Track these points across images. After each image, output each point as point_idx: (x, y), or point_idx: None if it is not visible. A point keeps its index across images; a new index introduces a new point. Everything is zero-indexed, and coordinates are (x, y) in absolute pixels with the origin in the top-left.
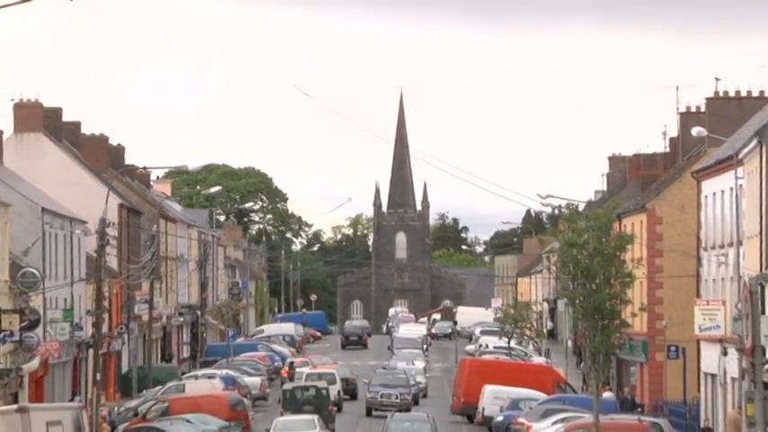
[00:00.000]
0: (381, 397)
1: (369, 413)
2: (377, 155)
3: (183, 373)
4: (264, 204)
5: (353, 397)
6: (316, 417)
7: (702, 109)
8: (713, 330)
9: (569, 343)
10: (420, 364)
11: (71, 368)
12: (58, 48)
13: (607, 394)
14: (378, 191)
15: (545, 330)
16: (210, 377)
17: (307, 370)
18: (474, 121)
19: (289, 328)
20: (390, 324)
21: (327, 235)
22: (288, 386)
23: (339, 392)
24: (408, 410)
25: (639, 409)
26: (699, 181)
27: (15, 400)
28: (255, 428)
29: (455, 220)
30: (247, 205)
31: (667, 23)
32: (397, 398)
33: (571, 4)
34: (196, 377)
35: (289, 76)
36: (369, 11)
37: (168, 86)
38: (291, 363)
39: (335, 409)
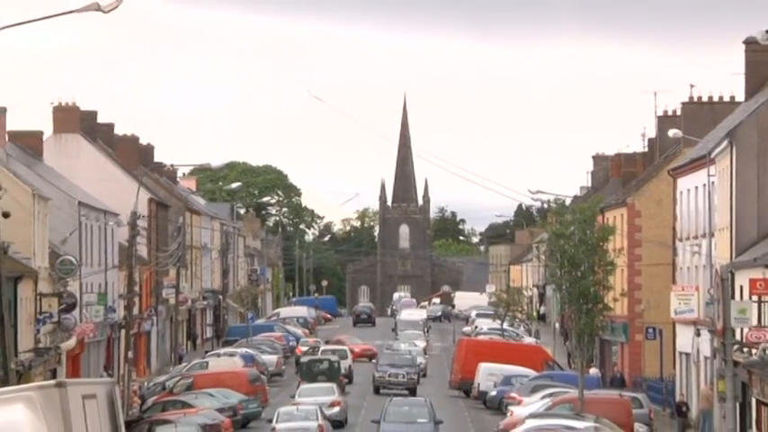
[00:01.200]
0: (389, 376)
1: (377, 391)
2: (382, 154)
3: (206, 352)
4: (280, 199)
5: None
6: (334, 384)
7: (678, 113)
8: (687, 314)
9: (557, 325)
10: (421, 344)
11: (105, 347)
12: (93, 56)
13: (593, 371)
14: (383, 187)
15: (535, 313)
16: (231, 355)
17: (309, 357)
18: (471, 124)
19: (302, 310)
20: (394, 308)
21: (337, 226)
22: (304, 359)
23: (350, 366)
24: (414, 389)
25: (609, 382)
26: (674, 178)
27: (54, 376)
28: (272, 401)
29: (453, 214)
30: (265, 199)
31: (648, 36)
32: (403, 377)
33: (561, 18)
34: (218, 355)
35: (303, 83)
36: (377, 24)
37: (194, 91)
38: (327, 341)
39: (346, 380)
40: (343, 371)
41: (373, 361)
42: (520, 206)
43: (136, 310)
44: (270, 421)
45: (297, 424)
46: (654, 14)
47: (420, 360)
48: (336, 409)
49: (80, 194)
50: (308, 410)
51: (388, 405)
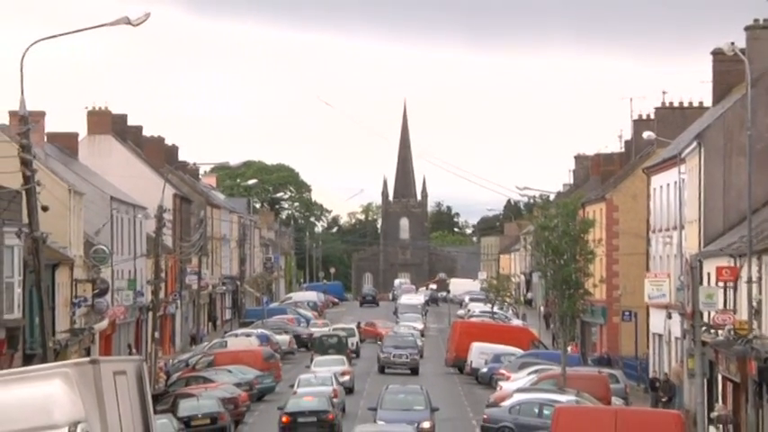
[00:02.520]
0: (393, 357)
1: (382, 371)
2: (384, 154)
3: (225, 333)
4: (292, 194)
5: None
6: (344, 356)
7: (652, 117)
8: (660, 298)
9: (542, 308)
10: (419, 326)
11: (134, 328)
12: (124, 65)
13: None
14: (385, 183)
15: (522, 298)
16: (248, 335)
17: (325, 329)
18: (466, 127)
19: (312, 295)
20: (395, 293)
21: (344, 219)
22: (317, 334)
23: (357, 342)
24: (416, 368)
25: (595, 361)
26: (648, 176)
27: (88, 354)
28: (284, 377)
29: (449, 208)
30: (278, 195)
31: (627, 47)
32: (407, 357)
33: (551, 31)
34: (236, 335)
35: (313, 89)
36: (380, 35)
37: (215, 97)
38: (359, 323)
39: (353, 355)
40: (350, 346)
41: (378, 342)
42: (509, 201)
43: (162, 295)
44: (291, 386)
45: (315, 389)
46: (633, 28)
47: (419, 342)
48: (347, 377)
49: (112, 190)
50: (324, 377)
51: (384, 392)
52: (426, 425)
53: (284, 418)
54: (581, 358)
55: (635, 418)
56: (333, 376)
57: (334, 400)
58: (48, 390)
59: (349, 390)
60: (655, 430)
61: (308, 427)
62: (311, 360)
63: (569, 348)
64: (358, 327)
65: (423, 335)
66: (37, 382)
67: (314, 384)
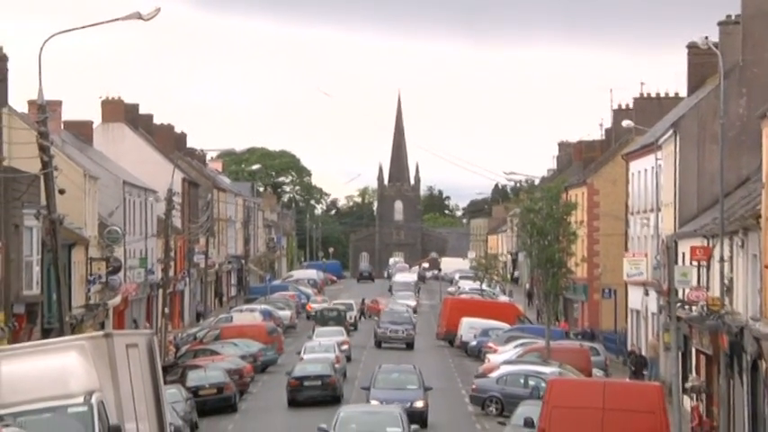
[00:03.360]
0: (390, 332)
1: (379, 345)
2: (380, 141)
3: (230, 308)
4: (294, 178)
5: None
6: (342, 328)
7: (630, 106)
8: (638, 276)
9: (527, 286)
10: (412, 304)
11: (145, 303)
12: (136, 57)
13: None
14: (381, 169)
15: (509, 276)
16: (252, 310)
17: (324, 305)
18: (456, 116)
19: (312, 273)
20: (390, 271)
21: (342, 202)
22: (318, 307)
23: (355, 317)
24: (412, 343)
25: (581, 336)
26: (627, 161)
27: (102, 328)
28: (286, 350)
29: (440, 191)
30: (281, 179)
31: (609, 42)
32: (402, 332)
33: (539, 26)
34: (241, 311)
35: (314, 80)
36: (377, 30)
37: (221, 87)
38: (363, 299)
39: (352, 327)
40: (349, 320)
41: (375, 318)
42: (496, 185)
43: (171, 273)
44: (298, 353)
45: (320, 355)
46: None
47: (413, 318)
48: (346, 346)
49: (124, 174)
50: (328, 345)
51: (377, 372)
52: (419, 404)
53: (292, 382)
54: (564, 333)
55: (621, 388)
56: (336, 345)
57: (336, 365)
58: (64, 361)
59: (347, 358)
60: (638, 400)
61: (313, 389)
62: (313, 330)
63: (559, 324)
64: (362, 303)
65: (415, 311)
66: (54, 355)
67: (319, 351)
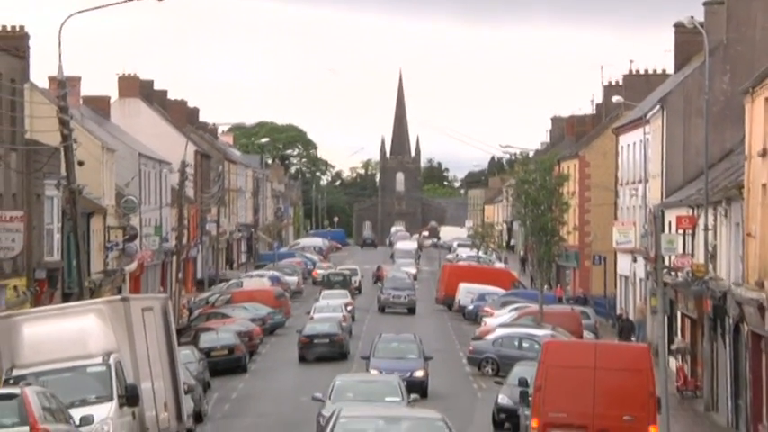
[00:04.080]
0: (393, 298)
1: (382, 310)
2: (383, 115)
3: (241, 274)
4: (300, 151)
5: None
6: (347, 291)
7: (620, 83)
8: (626, 244)
9: (522, 253)
10: (412, 270)
11: (160, 269)
12: (151, 36)
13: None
14: (383, 142)
15: (504, 244)
16: (261, 276)
17: (330, 270)
18: (455, 92)
19: (317, 241)
20: (392, 239)
21: (346, 174)
22: (325, 272)
23: (359, 281)
24: (413, 308)
25: (573, 301)
26: (617, 135)
27: (119, 292)
28: (294, 314)
29: (439, 164)
30: (288, 152)
31: (598, 21)
32: (405, 298)
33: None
34: (250, 276)
35: (319, 57)
36: (380, 11)
37: (232, 64)
38: (379, 266)
39: (356, 290)
40: (353, 283)
41: (378, 284)
42: (493, 158)
43: (184, 240)
44: (308, 313)
45: (328, 315)
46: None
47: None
48: (351, 307)
49: (140, 147)
50: (336, 305)
51: (377, 341)
52: (419, 374)
53: (303, 340)
54: (558, 298)
55: (611, 349)
56: (343, 305)
57: (343, 324)
58: (84, 324)
59: (352, 318)
60: (627, 360)
61: (321, 346)
62: (320, 293)
63: (554, 290)
64: (378, 269)
65: (416, 278)
66: (74, 317)
67: (327, 311)
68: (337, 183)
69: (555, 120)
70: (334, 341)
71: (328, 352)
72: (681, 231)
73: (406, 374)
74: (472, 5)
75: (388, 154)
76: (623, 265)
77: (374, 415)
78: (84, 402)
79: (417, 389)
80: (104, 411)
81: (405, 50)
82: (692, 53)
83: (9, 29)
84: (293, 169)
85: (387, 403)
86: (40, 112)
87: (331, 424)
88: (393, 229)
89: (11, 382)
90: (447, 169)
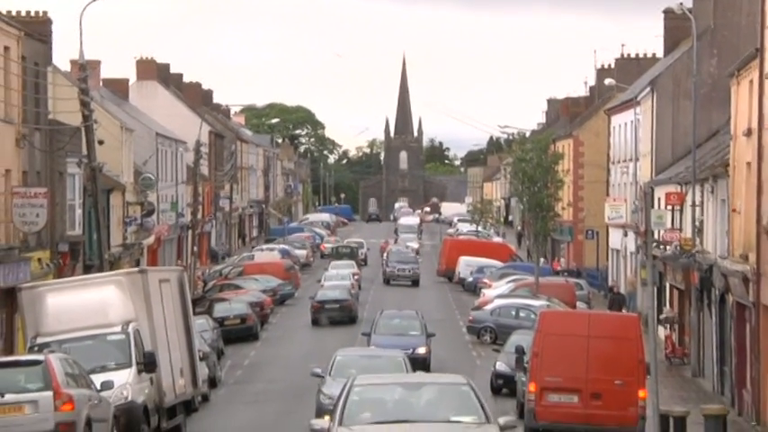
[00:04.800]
0: (398, 271)
1: (387, 282)
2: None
3: (252, 247)
4: (309, 131)
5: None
6: (354, 262)
7: (612, 66)
8: (618, 219)
9: (519, 228)
10: (414, 245)
11: (176, 243)
12: (167, 21)
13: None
14: (387, 122)
15: (502, 219)
16: (272, 250)
17: (338, 243)
18: (456, 75)
19: (325, 216)
20: (395, 215)
21: (352, 152)
22: (333, 245)
23: (365, 253)
24: (417, 280)
25: (567, 273)
26: (609, 116)
27: (138, 264)
28: (303, 285)
29: (441, 143)
30: (297, 132)
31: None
32: (409, 271)
33: None
34: (261, 250)
35: (328, 42)
36: None
37: (245, 48)
38: (386, 241)
39: (362, 262)
40: (360, 255)
41: (384, 256)
42: (491, 137)
43: (199, 216)
44: (319, 281)
45: (337, 282)
46: None
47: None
48: (357, 277)
49: (157, 127)
50: (344, 275)
51: (378, 317)
52: (422, 350)
53: (315, 305)
54: (554, 270)
55: (603, 319)
56: (351, 273)
57: (352, 291)
58: (104, 294)
59: (359, 286)
60: (618, 328)
61: (332, 311)
62: (329, 264)
63: (553, 263)
64: (385, 243)
65: (418, 253)
66: (95, 288)
67: (336, 279)
68: (344, 161)
69: (550, 101)
70: (343, 306)
71: (338, 316)
72: (669, 207)
73: (409, 351)
74: None
75: (392, 134)
76: (615, 239)
77: (392, 382)
78: (104, 369)
79: (420, 366)
80: (124, 377)
81: (408, 35)
82: (681, 38)
83: (33, 14)
84: (302, 148)
85: None
86: (63, 93)
87: (344, 393)
88: (397, 205)
89: (35, 349)
90: (448, 148)
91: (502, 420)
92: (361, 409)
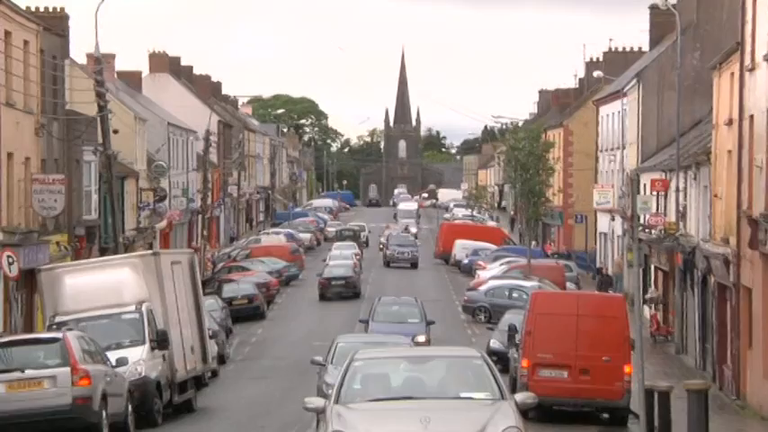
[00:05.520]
0: (397, 254)
1: (387, 265)
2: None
3: (259, 231)
4: (313, 121)
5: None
6: (356, 243)
7: (601, 59)
8: (605, 204)
9: (512, 213)
10: (413, 229)
11: (187, 227)
12: (178, 15)
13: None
14: (387, 112)
15: (496, 204)
16: (277, 233)
17: (341, 226)
18: (452, 67)
19: (328, 202)
20: (395, 200)
21: (354, 141)
22: (338, 228)
23: (366, 236)
24: (416, 263)
25: (557, 255)
26: (597, 107)
27: (151, 247)
28: (307, 267)
29: (438, 132)
30: (301, 121)
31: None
32: (408, 254)
33: None
34: (268, 233)
35: (330, 36)
36: None
37: (252, 42)
38: (388, 225)
39: (364, 244)
40: (362, 238)
41: (381, 240)
42: (486, 127)
43: (209, 201)
44: (324, 260)
45: (341, 261)
46: None
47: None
48: (358, 257)
49: (168, 117)
50: (347, 254)
51: (376, 304)
52: (421, 338)
53: (322, 281)
54: (545, 253)
55: (591, 298)
56: (353, 253)
57: (355, 269)
58: (119, 276)
59: (360, 265)
60: (605, 308)
61: (338, 287)
62: (333, 245)
63: (545, 246)
64: (387, 227)
65: (416, 236)
66: (110, 270)
67: (340, 258)
68: (346, 149)
69: (542, 93)
70: (348, 282)
71: (344, 291)
72: (654, 193)
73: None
74: None
75: (391, 123)
76: (603, 223)
77: (396, 355)
78: (119, 346)
79: None
80: (138, 354)
81: (407, 30)
82: (666, 32)
83: (51, 10)
84: (306, 137)
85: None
86: (79, 85)
87: (344, 368)
88: (396, 191)
89: (54, 327)
90: (444, 137)
91: (519, 397)
92: (361, 384)
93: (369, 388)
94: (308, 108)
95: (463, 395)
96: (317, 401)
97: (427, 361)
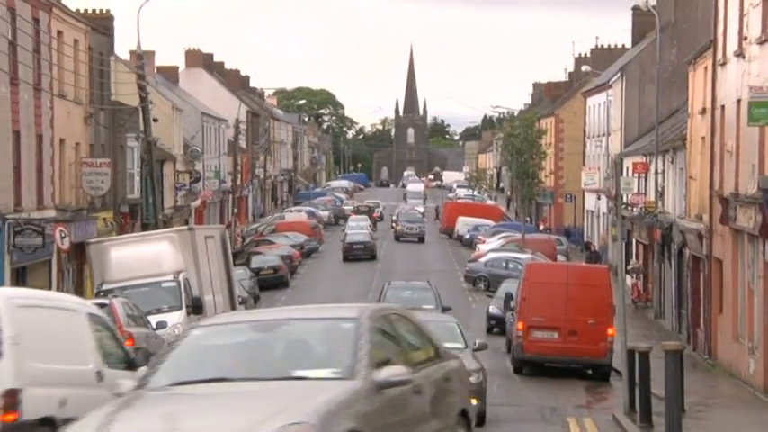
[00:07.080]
0: (407, 229)
1: (397, 239)
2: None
3: (283, 209)
4: (331, 111)
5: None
6: (368, 217)
7: (588, 55)
8: (592, 185)
9: (508, 193)
10: (421, 208)
11: (219, 205)
12: (211, 15)
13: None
14: (397, 103)
15: (494, 185)
16: (299, 211)
17: (357, 204)
18: (456, 63)
19: (345, 183)
20: (404, 182)
21: (368, 129)
22: (355, 205)
23: (380, 212)
24: (423, 238)
25: (550, 230)
26: (585, 98)
27: (187, 223)
28: (326, 240)
29: (442, 120)
30: (321, 111)
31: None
32: (416, 229)
33: None
34: (291, 211)
35: (347, 34)
36: None
37: (276, 39)
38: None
39: (379, 218)
40: (376, 213)
41: (393, 217)
42: (485, 116)
43: (238, 182)
44: (343, 230)
45: (359, 231)
46: None
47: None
48: (371, 227)
49: (202, 107)
50: (363, 225)
51: (386, 288)
52: None
53: (345, 246)
54: (538, 229)
55: (579, 269)
56: (368, 224)
57: (372, 235)
58: (159, 248)
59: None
60: (591, 277)
61: (358, 250)
62: (350, 217)
63: (541, 222)
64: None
65: (423, 214)
66: (151, 243)
67: (357, 228)
68: (360, 136)
69: (536, 85)
70: (366, 246)
71: (362, 254)
72: (636, 175)
73: None
74: None
75: (401, 113)
76: (590, 202)
77: (242, 320)
78: (159, 311)
79: None
80: (175, 318)
81: (415, 29)
82: (646, 31)
83: (98, 11)
84: (325, 125)
85: None
86: (123, 79)
87: (175, 340)
88: (405, 174)
89: (101, 294)
90: (448, 125)
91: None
92: (180, 363)
93: (183, 366)
94: (326, 99)
95: (298, 373)
96: (128, 384)
97: (278, 326)
